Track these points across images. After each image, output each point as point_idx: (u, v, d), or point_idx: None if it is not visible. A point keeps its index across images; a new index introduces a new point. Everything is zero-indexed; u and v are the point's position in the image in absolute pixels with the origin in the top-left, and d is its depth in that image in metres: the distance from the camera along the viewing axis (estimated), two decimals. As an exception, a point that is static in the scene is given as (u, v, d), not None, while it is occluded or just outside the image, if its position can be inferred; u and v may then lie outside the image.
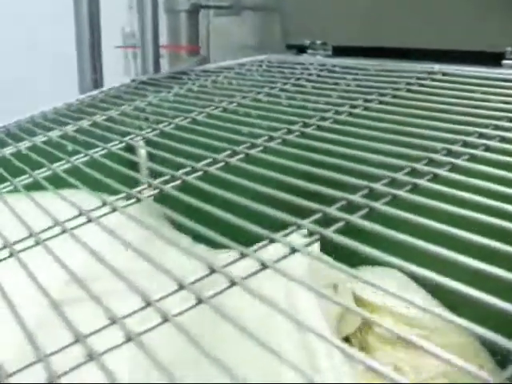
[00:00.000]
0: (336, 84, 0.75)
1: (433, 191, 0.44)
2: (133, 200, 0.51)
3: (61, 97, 0.97)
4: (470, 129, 0.54)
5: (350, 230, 0.40)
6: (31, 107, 0.93)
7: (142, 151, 0.77)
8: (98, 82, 1.09)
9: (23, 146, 0.74)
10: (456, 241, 0.36)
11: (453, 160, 0.49)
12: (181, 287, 0.36)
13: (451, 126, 0.56)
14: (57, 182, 0.61)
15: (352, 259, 0.42)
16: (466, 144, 0.52)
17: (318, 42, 0.91)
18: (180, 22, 1.22)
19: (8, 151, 0.74)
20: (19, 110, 0.93)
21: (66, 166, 0.63)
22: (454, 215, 0.39)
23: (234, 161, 0.56)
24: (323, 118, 0.63)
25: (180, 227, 0.66)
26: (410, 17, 0.86)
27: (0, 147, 0.76)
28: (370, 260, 0.36)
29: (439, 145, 0.52)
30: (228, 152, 0.58)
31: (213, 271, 0.37)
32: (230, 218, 0.44)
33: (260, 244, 0.40)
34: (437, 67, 0.75)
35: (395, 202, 0.43)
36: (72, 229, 0.48)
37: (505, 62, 0.77)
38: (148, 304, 0.35)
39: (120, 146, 0.67)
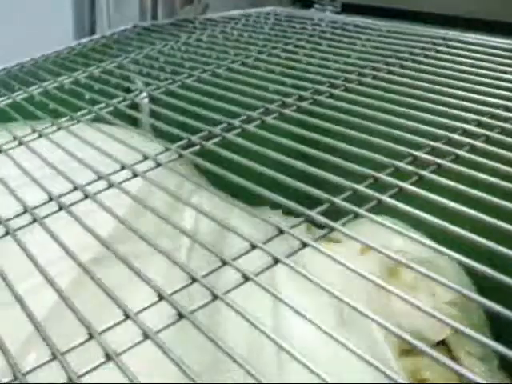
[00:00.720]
0: (352, 44, 0.75)
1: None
2: (175, 156, 0.51)
3: (55, 41, 0.95)
4: (497, 101, 0.56)
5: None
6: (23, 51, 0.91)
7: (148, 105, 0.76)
8: (95, 25, 1.06)
9: (35, 91, 0.73)
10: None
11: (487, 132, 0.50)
12: (224, 263, 0.36)
13: (476, 96, 0.57)
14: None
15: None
16: (493, 116, 0.53)
17: (328, -3, 0.92)
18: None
19: (19, 96, 0.72)
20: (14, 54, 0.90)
21: (89, 116, 0.63)
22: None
23: (269, 119, 0.56)
24: (348, 80, 0.63)
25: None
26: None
27: (7, 91, 0.74)
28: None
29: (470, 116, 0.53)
30: (261, 109, 0.58)
31: (254, 247, 0.37)
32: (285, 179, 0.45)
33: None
34: (451, 33, 0.76)
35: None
36: (120, 183, 0.48)
37: (518, 31, 0.78)
38: (194, 280, 0.35)
39: (141, 96, 0.66)
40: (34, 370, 0.31)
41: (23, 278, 0.41)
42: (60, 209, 0.45)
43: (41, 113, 0.65)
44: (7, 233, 0.43)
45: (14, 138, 0.59)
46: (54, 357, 0.31)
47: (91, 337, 0.32)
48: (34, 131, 0.59)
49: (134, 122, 0.63)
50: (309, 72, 0.66)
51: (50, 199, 0.47)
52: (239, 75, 0.68)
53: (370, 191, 0.41)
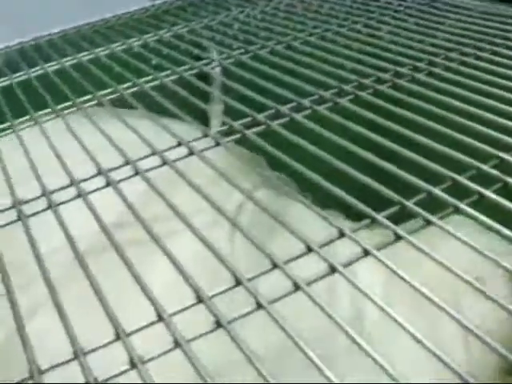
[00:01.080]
0: (439, 23, 0.69)
1: None
2: (238, 135, 0.48)
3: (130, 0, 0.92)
4: None
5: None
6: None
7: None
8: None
9: (101, 52, 0.70)
10: None
11: None
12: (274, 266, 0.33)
13: None
14: (143, 100, 0.57)
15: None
16: None
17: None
18: None
19: (85, 57, 0.69)
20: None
21: (153, 84, 0.60)
22: None
23: (342, 101, 0.51)
24: (433, 64, 0.58)
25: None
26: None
27: (74, 51, 0.72)
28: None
29: None
30: (335, 90, 0.53)
31: (343, 235, 0.34)
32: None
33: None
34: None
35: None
36: (174, 161, 0.44)
37: None
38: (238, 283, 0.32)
39: (209, 66, 0.62)
40: (51, 368, 0.28)
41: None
42: (107, 185, 0.42)
43: (105, 77, 0.62)
44: (50, 206, 0.41)
45: (73, 104, 0.56)
46: (76, 356, 0.28)
47: (118, 337, 0.29)
48: (93, 97, 0.57)
49: (199, 92, 0.59)
50: (390, 51, 0.61)
51: (99, 173, 0.44)
52: (315, 50, 0.63)
53: (446, 196, 0.37)
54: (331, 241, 0.34)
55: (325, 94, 0.53)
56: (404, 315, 0.28)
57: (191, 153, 0.45)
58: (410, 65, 0.57)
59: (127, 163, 0.44)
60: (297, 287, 0.30)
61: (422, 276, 0.34)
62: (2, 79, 0.67)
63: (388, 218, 0.36)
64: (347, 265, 0.31)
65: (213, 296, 0.30)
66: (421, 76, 0.55)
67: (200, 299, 0.30)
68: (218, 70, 0.65)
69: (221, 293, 0.31)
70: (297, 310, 0.31)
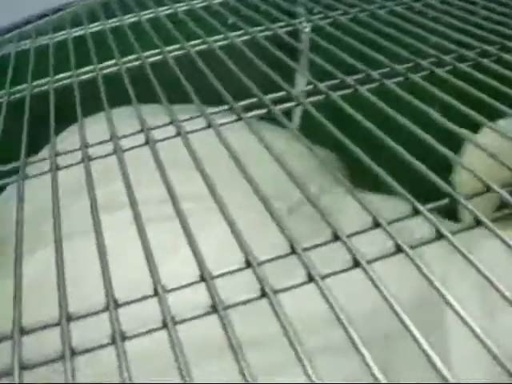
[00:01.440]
0: (543, 0, 0.63)
1: None
2: (293, 103, 0.45)
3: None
4: None
5: None
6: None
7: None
8: None
9: (180, 8, 0.68)
10: None
11: None
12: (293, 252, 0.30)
13: None
14: (208, 59, 0.55)
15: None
16: None
17: None
18: None
19: (163, 12, 0.67)
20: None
21: (222, 43, 0.57)
22: None
23: (415, 77, 0.47)
24: (526, 44, 0.52)
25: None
26: None
27: (154, 4, 0.70)
28: None
29: None
30: (410, 64, 0.49)
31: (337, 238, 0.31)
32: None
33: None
34: None
35: None
36: (221, 125, 0.42)
37: None
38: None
39: (286, 29, 0.59)
40: (35, 330, 0.27)
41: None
42: (146, 143, 0.40)
43: (179, 34, 0.60)
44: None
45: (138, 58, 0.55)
46: (58, 323, 0.26)
47: (107, 308, 0.27)
48: (159, 52, 0.55)
49: (269, 55, 0.56)
50: (481, 28, 0.56)
51: (141, 130, 0.42)
52: (400, 20, 0.59)
53: (508, 196, 0.32)
54: (361, 231, 0.30)
55: (398, 67, 0.49)
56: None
57: (239, 118, 0.42)
58: (498, 43, 0.52)
59: (171, 122, 0.42)
60: (310, 279, 0.27)
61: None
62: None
63: (438, 211, 0.32)
64: (371, 261, 0.28)
65: (217, 276, 0.28)
66: (508, 56, 0.50)
67: (202, 278, 0.28)
68: (304, 35, 0.62)
69: (225, 274, 0.28)
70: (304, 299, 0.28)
